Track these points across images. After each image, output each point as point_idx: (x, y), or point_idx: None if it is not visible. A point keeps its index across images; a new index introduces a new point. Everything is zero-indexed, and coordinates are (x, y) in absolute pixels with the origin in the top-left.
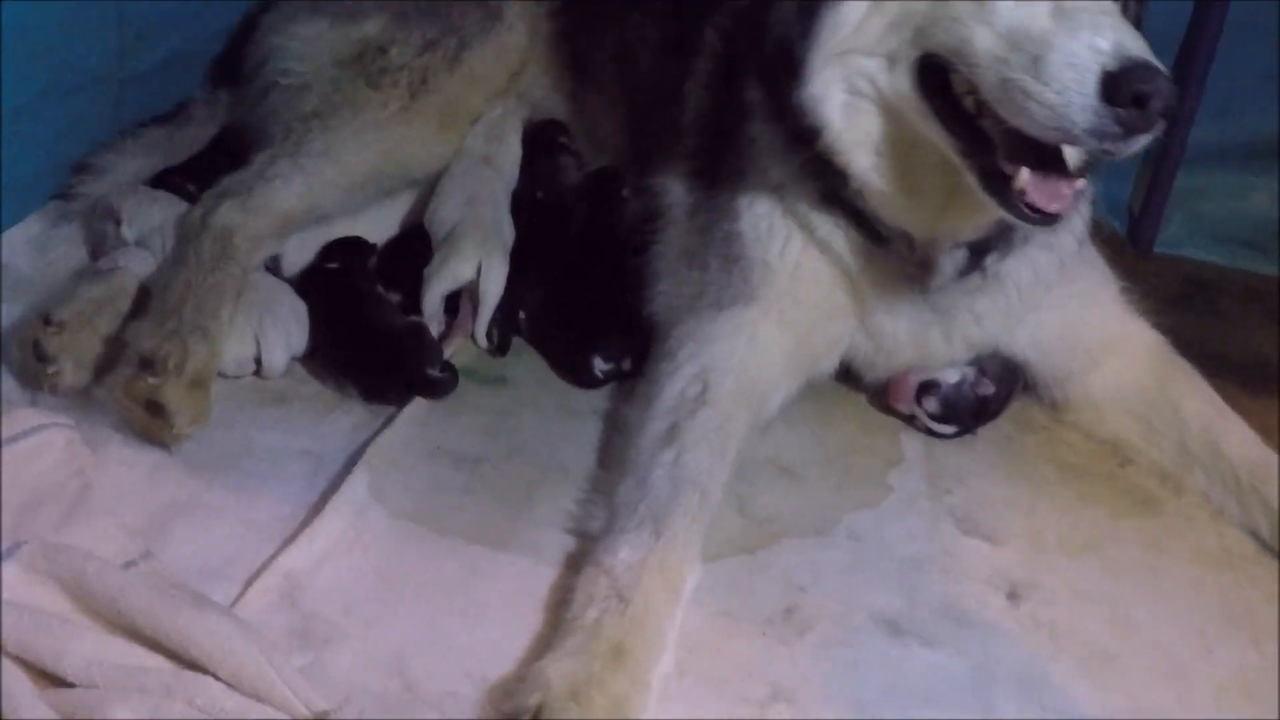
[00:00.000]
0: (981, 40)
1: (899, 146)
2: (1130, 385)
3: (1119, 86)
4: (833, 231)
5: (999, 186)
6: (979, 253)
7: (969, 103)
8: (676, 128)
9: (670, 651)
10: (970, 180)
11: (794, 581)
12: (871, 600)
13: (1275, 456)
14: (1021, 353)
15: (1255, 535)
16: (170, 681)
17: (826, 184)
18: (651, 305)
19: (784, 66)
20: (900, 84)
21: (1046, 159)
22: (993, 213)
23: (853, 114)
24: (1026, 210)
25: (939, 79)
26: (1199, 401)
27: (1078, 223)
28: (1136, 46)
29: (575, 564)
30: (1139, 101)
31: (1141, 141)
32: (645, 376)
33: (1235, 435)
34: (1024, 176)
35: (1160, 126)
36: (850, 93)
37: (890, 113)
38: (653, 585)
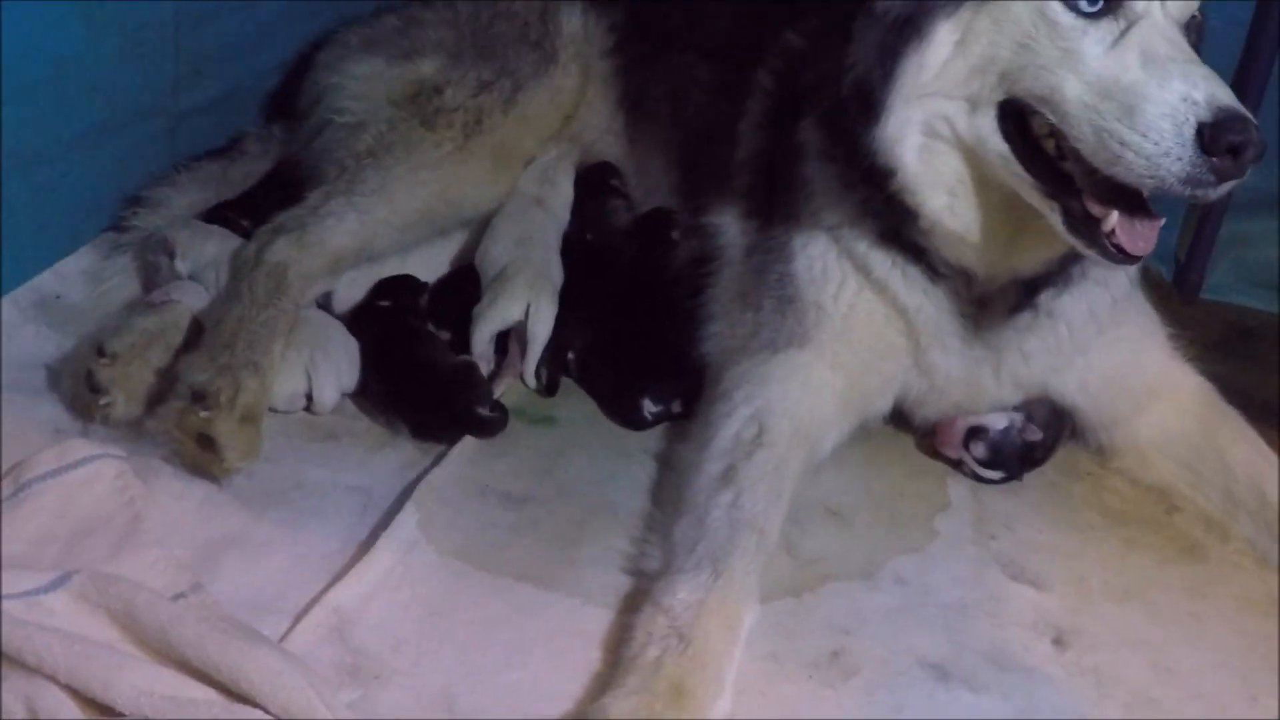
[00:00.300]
0: (1071, 89)
1: (971, 187)
2: (1176, 431)
3: (1215, 137)
4: (890, 270)
5: (1084, 227)
6: (1032, 290)
7: (1050, 145)
8: (730, 167)
9: (729, 692)
10: (1054, 221)
11: (840, 625)
12: (917, 645)
13: None
14: (1069, 397)
15: None
16: (220, 715)
17: (886, 222)
18: (704, 346)
19: (860, 107)
20: (980, 127)
21: (1129, 199)
22: (1054, 250)
23: (928, 156)
24: (1113, 250)
25: (1018, 122)
26: (1245, 448)
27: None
28: (1227, 96)
29: (627, 604)
30: (1233, 151)
31: (1228, 187)
32: (699, 418)
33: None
34: (1113, 219)
35: (1248, 172)
36: (927, 135)
37: (966, 155)
38: (712, 625)
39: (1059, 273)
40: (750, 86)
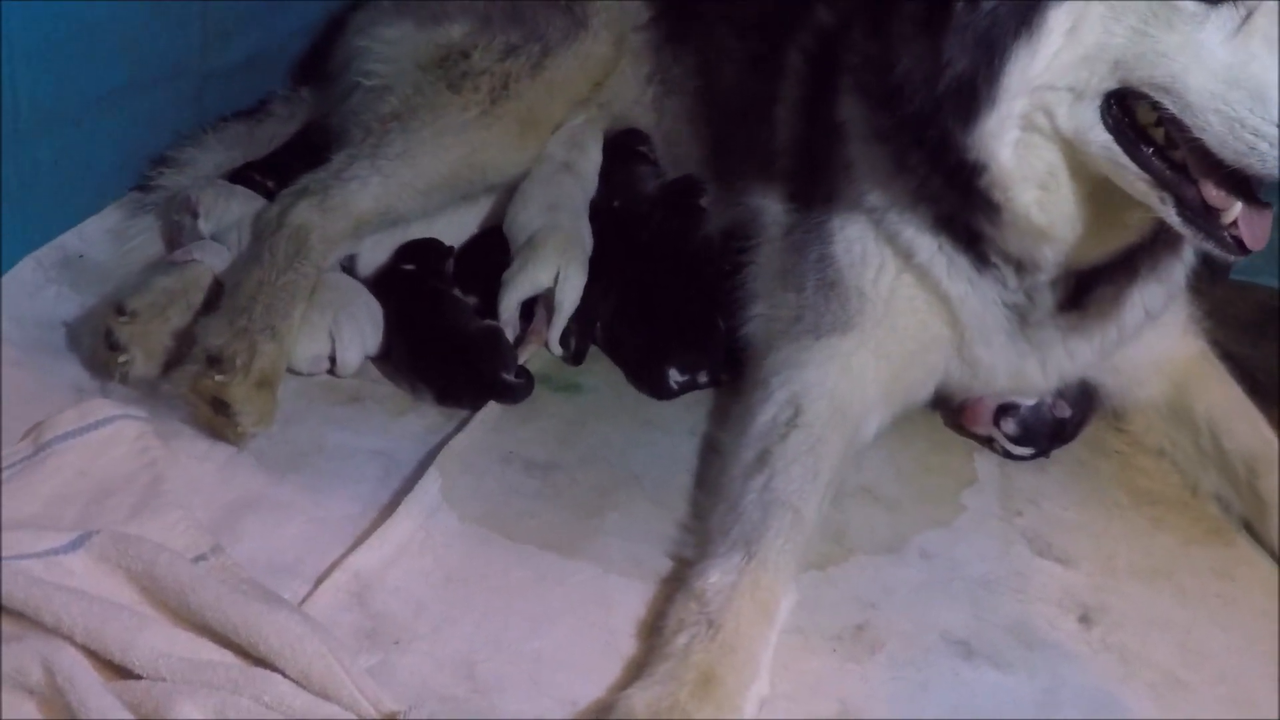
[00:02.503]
0: (1195, 77)
1: (1063, 181)
2: (1166, 393)
3: None
4: (935, 256)
5: (1201, 219)
6: (1085, 285)
7: (1159, 135)
8: (769, 150)
9: (765, 675)
10: (1164, 212)
11: (865, 599)
12: (942, 620)
13: (1276, 447)
14: (1100, 378)
15: (1253, 535)
16: (238, 677)
17: (943, 209)
18: (747, 328)
19: (958, 104)
20: (1082, 118)
21: (1241, 189)
22: (1123, 241)
23: (1023, 150)
24: (1231, 242)
25: (1123, 112)
26: (1213, 402)
27: (1189, 254)
28: None
29: (664, 591)
30: None
31: None
32: (739, 402)
33: (1241, 429)
34: (1236, 210)
35: None
36: (1024, 128)
37: (1062, 147)
38: (744, 608)
39: (1121, 265)
40: (783, 66)
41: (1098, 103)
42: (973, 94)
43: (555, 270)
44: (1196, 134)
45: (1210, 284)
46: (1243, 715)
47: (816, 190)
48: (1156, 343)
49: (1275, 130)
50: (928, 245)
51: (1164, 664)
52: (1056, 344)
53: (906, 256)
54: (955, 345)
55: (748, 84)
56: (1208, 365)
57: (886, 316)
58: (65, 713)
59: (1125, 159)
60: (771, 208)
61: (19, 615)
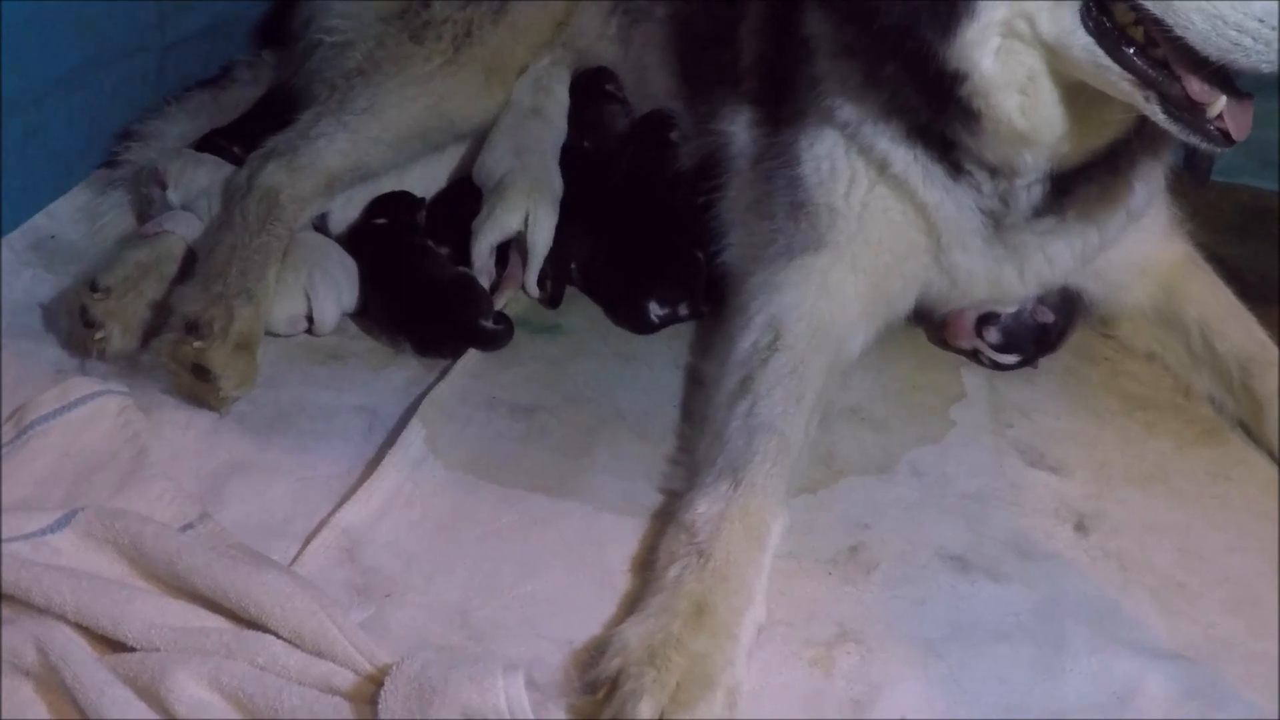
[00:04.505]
0: None
1: (1043, 85)
2: (1154, 297)
3: None
4: (910, 166)
5: (1186, 114)
6: (1061, 189)
7: (1138, 34)
8: (734, 72)
9: (761, 601)
10: (1149, 110)
11: (858, 520)
12: (937, 536)
13: (1272, 351)
14: (1082, 283)
15: (1249, 435)
16: (230, 641)
17: (917, 119)
18: (724, 257)
19: (936, 13)
20: (1063, 22)
21: (1222, 82)
22: (1102, 139)
23: (1004, 57)
24: (1217, 134)
25: (1102, 13)
26: (1204, 304)
27: (1167, 153)
28: None
29: (656, 525)
30: None
31: None
32: (720, 331)
33: (1233, 330)
34: (1221, 104)
35: None
36: (1005, 35)
37: (1043, 52)
38: (734, 536)
39: (1099, 167)
40: None
41: (1077, 6)
42: (951, 5)
43: (523, 213)
44: (1179, 32)
45: (1194, 186)
46: (1246, 616)
47: (784, 110)
48: (1140, 246)
49: (1258, 24)
50: (903, 156)
51: (1163, 568)
52: (1034, 249)
53: (881, 168)
54: (932, 253)
55: (712, 4)
56: (1195, 268)
57: (860, 230)
58: (61, 691)
59: (1108, 60)
60: (740, 134)
61: (10, 598)
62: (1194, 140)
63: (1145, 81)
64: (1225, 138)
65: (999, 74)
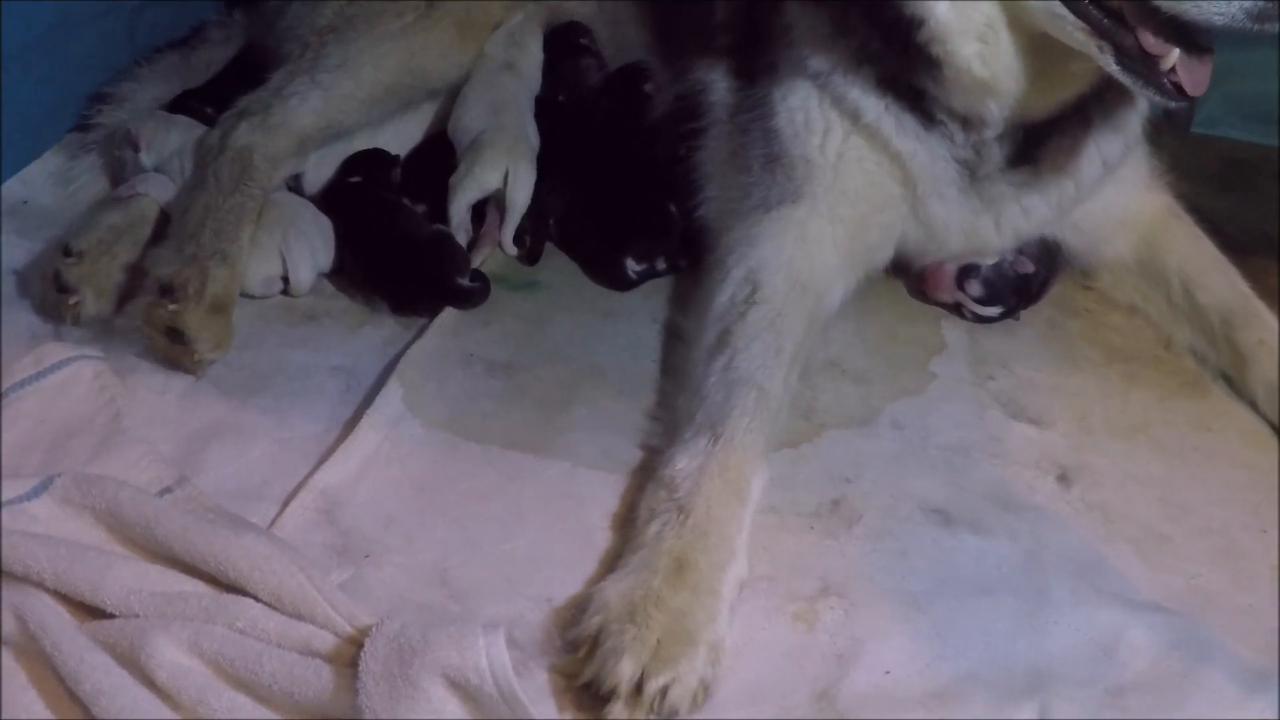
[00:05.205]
0: None
1: (1002, 33)
2: (1135, 248)
3: None
4: (882, 115)
5: (1140, 66)
6: (1035, 140)
7: None
8: (708, 24)
9: (742, 556)
10: (1104, 61)
11: (840, 473)
12: (919, 489)
13: (1255, 302)
14: (1060, 234)
15: (1231, 387)
16: (210, 605)
17: (886, 68)
18: (701, 211)
19: None
20: None
21: (1181, 35)
22: (1069, 92)
23: (962, 3)
24: (1171, 89)
25: None
26: (1184, 254)
27: (1142, 103)
28: None
29: (639, 479)
30: None
31: None
32: (699, 285)
33: (1214, 282)
34: (1174, 57)
35: None
36: None
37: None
38: (713, 491)
39: (1072, 117)
40: None
41: None
42: None
43: (503, 171)
44: None
45: (1174, 138)
46: (1229, 567)
47: (757, 62)
48: (1118, 197)
49: None
50: (874, 105)
51: (1146, 520)
52: (1010, 200)
53: (854, 118)
54: (909, 202)
55: None
56: (1175, 219)
57: (837, 180)
58: (40, 659)
59: (1062, 9)
60: (716, 86)
61: None
62: (1147, 94)
63: (1100, 32)
64: (1179, 91)
65: (955, 20)
